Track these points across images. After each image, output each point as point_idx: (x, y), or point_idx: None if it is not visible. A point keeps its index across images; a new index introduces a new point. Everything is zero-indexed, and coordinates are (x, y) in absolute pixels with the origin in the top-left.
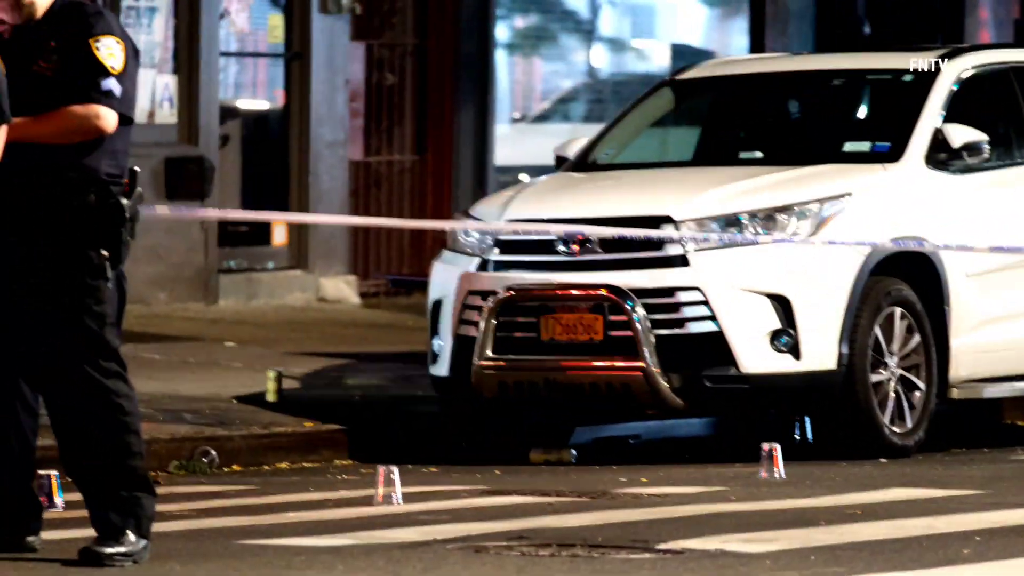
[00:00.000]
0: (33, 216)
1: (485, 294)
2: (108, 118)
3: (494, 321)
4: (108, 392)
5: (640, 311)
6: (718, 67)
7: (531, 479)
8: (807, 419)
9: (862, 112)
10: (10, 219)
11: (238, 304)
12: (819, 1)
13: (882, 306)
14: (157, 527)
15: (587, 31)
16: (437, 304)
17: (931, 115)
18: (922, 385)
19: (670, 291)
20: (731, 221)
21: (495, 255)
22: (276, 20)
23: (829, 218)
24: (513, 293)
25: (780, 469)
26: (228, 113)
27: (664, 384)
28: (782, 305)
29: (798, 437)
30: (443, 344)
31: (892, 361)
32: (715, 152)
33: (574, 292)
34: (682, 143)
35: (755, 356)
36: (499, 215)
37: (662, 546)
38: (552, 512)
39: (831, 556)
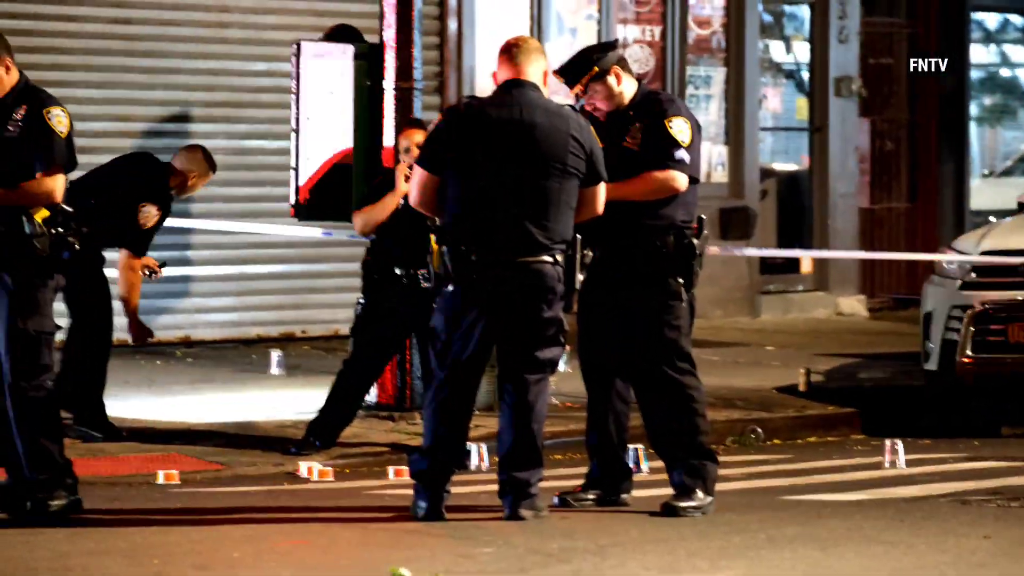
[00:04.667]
0: (628, 255)
1: (965, 307)
2: (680, 180)
3: (972, 328)
4: (682, 386)
5: None
6: None
7: (1003, 448)
8: None
9: None
10: (611, 258)
11: (775, 318)
12: None
13: None
14: (718, 487)
15: None
16: (928, 316)
17: None
18: None
19: None
20: None
21: (972, 278)
22: (801, 102)
23: None
24: (987, 307)
25: None
26: (766, 173)
27: None
28: None
29: None
30: (933, 346)
31: None
32: None
33: None
34: None
35: None
36: (975, 248)
37: None
38: (1020, 473)
39: None
